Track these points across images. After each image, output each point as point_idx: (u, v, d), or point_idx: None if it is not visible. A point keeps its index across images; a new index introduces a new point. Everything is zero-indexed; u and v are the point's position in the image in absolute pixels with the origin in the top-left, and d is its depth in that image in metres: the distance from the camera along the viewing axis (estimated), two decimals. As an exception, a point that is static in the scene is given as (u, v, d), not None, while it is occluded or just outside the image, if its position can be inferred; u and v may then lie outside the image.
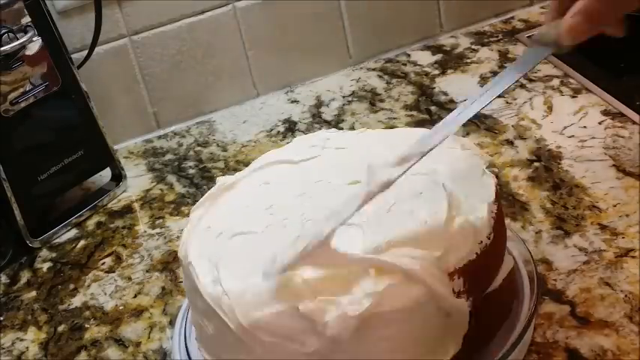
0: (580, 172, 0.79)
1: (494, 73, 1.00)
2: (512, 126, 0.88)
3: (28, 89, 0.83)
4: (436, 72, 1.04)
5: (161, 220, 0.88)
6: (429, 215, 0.56)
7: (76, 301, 0.79)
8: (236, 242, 0.59)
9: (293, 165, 0.66)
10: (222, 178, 0.67)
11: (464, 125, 0.90)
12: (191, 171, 0.96)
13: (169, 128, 1.05)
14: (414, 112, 0.96)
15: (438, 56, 1.07)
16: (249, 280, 0.54)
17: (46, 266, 0.85)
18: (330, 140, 0.68)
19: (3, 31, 0.80)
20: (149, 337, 0.72)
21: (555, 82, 0.95)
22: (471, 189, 0.59)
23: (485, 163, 0.62)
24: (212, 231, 0.61)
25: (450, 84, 1.00)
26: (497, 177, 0.64)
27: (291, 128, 0.99)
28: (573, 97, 0.92)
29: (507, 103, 0.94)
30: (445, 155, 0.61)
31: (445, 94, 0.99)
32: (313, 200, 0.61)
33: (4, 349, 0.74)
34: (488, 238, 0.55)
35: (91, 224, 0.90)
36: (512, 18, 1.11)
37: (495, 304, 0.59)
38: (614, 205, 0.74)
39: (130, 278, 0.80)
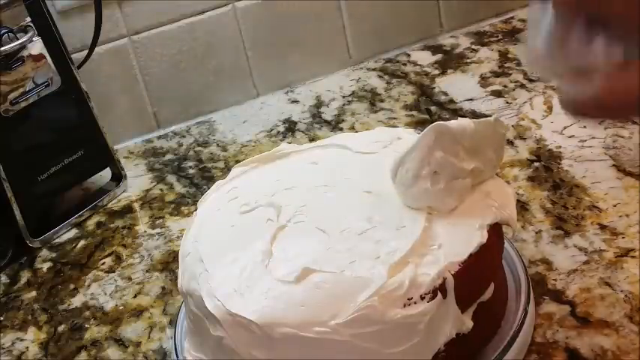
0: (580, 172, 0.79)
1: (495, 73, 1.00)
2: (513, 126, 0.88)
3: (28, 89, 0.83)
4: (436, 72, 1.04)
5: (161, 220, 0.88)
6: (388, 251, 0.54)
7: (76, 301, 0.79)
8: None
9: (347, 153, 0.67)
10: (285, 144, 0.70)
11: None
12: (191, 171, 0.96)
13: (169, 128, 1.05)
14: (414, 112, 0.96)
15: (438, 56, 1.07)
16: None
17: (46, 266, 0.85)
18: (399, 141, 0.67)
19: (3, 31, 0.80)
20: (149, 337, 0.72)
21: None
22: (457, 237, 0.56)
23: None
24: (231, 205, 0.64)
25: (450, 84, 1.00)
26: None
27: (291, 128, 0.99)
28: (573, 97, 0.91)
29: (507, 103, 0.94)
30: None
31: (445, 94, 0.99)
32: (324, 196, 0.62)
33: (4, 349, 0.74)
34: (427, 296, 0.53)
35: (91, 224, 0.90)
36: (512, 18, 1.12)
37: (491, 306, 0.59)
38: (614, 205, 0.74)
39: (130, 278, 0.80)
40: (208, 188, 0.69)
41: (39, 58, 0.83)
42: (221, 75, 1.04)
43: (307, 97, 1.05)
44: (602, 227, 0.71)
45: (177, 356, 0.64)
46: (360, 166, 0.65)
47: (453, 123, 0.59)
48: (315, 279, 0.53)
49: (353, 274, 0.53)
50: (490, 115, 0.91)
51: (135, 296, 0.78)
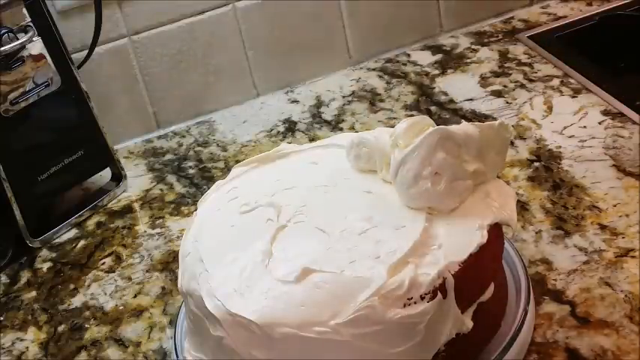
0: (580, 172, 0.79)
1: (495, 73, 1.00)
2: (513, 126, 0.88)
3: (28, 89, 0.83)
4: (436, 72, 1.04)
5: (161, 220, 0.88)
6: (388, 251, 0.55)
7: (76, 301, 0.79)
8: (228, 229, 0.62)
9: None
10: (285, 144, 0.70)
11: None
12: (191, 171, 0.96)
13: (169, 128, 1.05)
14: (414, 112, 0.96)
15: (438, 56, 1.07)
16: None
17: (46, 266, 0.85)
18: None
19: (3, 31, 0.80)
20: (149, 337, 0.72)
21: (555, 82, 0.95)
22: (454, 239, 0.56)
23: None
24: (231, 205, 0.64)
25: (450, 84, 1.00)
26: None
27: (291, 128, 0.99)
28: (573, 97, 0.92)
29: (507, 103, 0.94)
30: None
31: (445, 94, 0.99)
32: (324, 196, 0.62)
33: (4, 349, 0.74)
34: (427, 296, 0.53)
35: (91, 224, 0.90)
36: (512, 18, 1.11)
37: (491, 306, 0.59)
38: (614, 205, 0.74)
39: (130, 278, 0.80)
40: (208, 188, 0.69)
41: (39, 58, 0.83)
42: (221, 75, 1.04)
43: (307, 97, 1.05)
44: (602, 227, 0.71)
45: (177, 356, 0.64)
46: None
47: (457, 129, 0.59)
48: (315, 279, 0.53)
49: (353, 274, 0.53)
50: (490, 115, 0.92)
51: (135, 296, 0.78)
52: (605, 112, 0.87)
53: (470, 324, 0.55)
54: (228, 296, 0.55)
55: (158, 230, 0.86)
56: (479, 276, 0.57)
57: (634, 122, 0.84)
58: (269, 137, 0.98)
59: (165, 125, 1.05)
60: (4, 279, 0.84)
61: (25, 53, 0.82)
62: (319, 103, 1.03)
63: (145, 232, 0.87)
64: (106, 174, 0.95)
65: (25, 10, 0.81)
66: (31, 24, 0.82)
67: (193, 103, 1.05)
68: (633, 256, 0.68)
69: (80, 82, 0.88)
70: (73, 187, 0.92)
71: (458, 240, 0.56)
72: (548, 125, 0.88)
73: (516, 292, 0.63)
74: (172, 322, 0.72)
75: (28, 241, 0.86)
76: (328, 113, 1.01)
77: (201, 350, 0.60)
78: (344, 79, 1.07)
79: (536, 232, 0.73)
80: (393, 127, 0.62)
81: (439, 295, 0.53)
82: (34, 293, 0.81)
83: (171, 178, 0.95)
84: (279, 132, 0.99)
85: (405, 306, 0.52)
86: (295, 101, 1.05)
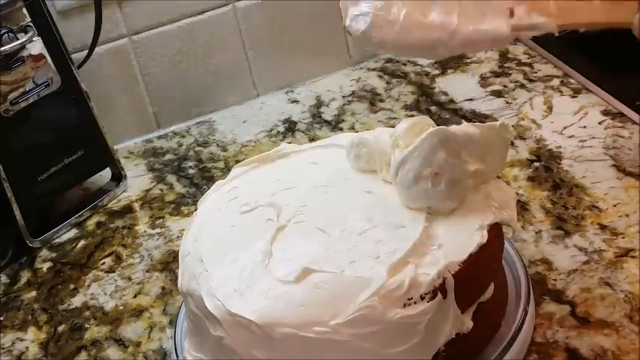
0: (580, 172, 0.79)
1: (495, 73, 1.00)
2: (513, 126, 0.88)
3: (28, 89, 0.83)
4: (436, 72, 1.04)
5: (161, 220, 0.88)
6: (388, 251, 0.55)
7: (76, 301, 0.79)
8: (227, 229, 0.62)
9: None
10: (285, 144, 0.70)
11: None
12: (191, 171, 0.96)
13: (169, 128, 1.05)
14: (414, 112, 0.96)
15: (438, 56, 1.07)
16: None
17: (46, 266, 0.85)
18: None
19: (3, 31, 0.80)
20: (149, 337, 0.72)
21: (555, 82, 0.95)
22: (455, 240, 0.56)
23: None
24: (231, 205, 0.64)
25: (450, 84, 1.00)
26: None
27: (291, 128, 0.99)
28: (573, 97, 0.92)
29: (507, 103, 0.94)
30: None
31: (445, 94, 0.99)
32: (324, 196, 0.62)
33: (4, 349, 0.74)
34: (427, 296, 0.53)
35: (91, 224, 0.90)
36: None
37: (491, 306, 0.59)
38: (614, 205, 0.74)
39: (130, 278, 0.80)
40: (208, 188, 0.69)
41: (39, 58, 0.83)
42: (221, 75, 1.04)
43: (307, 97, 1.05)
44: (602, 227, 0.71)
45: (177, 356, 0.64)
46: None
47: (458, 130, 0.59)
48: (315, 279, 0.53)
49: (353, 274, 0.53)
50: (490, 115, 0.92)
51: (135, 296, 0.78)
52: (605, 112, 0.87)
53: (470, 324, 0.55)
54: (228, 296, 0.55)
55: (158, 230, 0.86)
56: (479, 276, 0.57)
57: (634, 122, 0.84)
58: (269, 137, 0.98)
59: (166, 125, 1.05)
60: (4, 279, 0.84)
61: (25, 53, 0.82)
62: (319, 103, 1.03)
63: (145, 232, 0.87)
64: (106, 174, 0.95)
65: (25, 10, 0.81)
66: (31, 24, 0.82)
67: (193, 103, 1.05)
68: (633, 256, 0.68)
69: (80, 82, 0.88)
70: (73, 187, 0.92)
71: (458, 240, 0.56)
72: (548, 125, 0.88)
73: (516, 292, 0.63)
74: (172, 322, 0.72)
75: (28, 241, 0.86)
76: (328, 113, 1.01)
77: (201, 350, 0.60)
78: (344, 79, 1.07)
79: (536, 232, 0.73)
80: (393, 127, 0.62)
81: (439, 295, 0.53)
82: (34, 293, 0.81)
83: (171, 178, 0.95)
84: (279, 132, 0.99)
85: (404, 306, 0.52)
86: (295, 101, 1.05)
